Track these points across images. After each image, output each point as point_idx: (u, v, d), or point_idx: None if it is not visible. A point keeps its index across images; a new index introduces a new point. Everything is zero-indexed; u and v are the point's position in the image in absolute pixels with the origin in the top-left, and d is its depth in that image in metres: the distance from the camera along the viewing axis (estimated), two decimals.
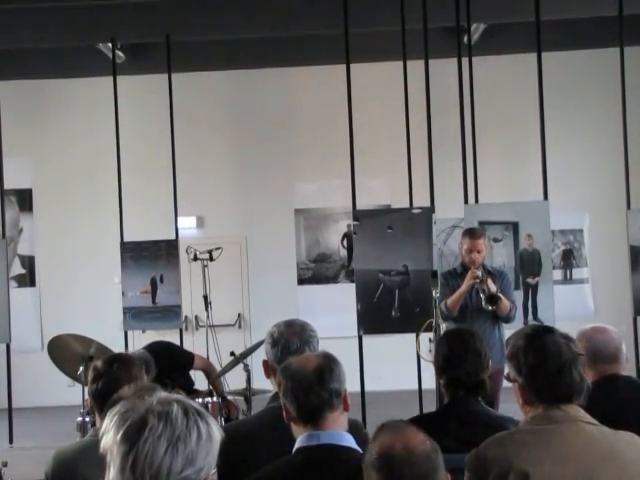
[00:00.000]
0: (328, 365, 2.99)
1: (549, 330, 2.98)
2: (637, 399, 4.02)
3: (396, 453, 2.35)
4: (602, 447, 2.77)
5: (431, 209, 9.74)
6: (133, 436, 1.98)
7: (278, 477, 2.91)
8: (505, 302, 7.16)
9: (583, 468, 2.72)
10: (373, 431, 3.68)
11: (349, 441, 2.95)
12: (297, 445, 2.95)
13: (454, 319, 7.26)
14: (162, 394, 2.10)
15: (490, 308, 7.11)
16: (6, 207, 10.67)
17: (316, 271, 13.08)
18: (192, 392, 7.20)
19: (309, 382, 2.94)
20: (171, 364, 6.94)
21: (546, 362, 2.86)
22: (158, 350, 6.89)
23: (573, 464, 2.72)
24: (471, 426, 3.60)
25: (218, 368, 7.55)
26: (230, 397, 7.36)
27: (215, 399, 6.65)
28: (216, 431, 2.08)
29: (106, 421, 2.05)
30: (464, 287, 7.19)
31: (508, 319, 7.30)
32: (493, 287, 7.14)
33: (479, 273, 7.14)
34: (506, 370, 3.05)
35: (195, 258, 9.12)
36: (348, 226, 12.35)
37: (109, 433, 2.02)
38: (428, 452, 2.36)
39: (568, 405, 2.85)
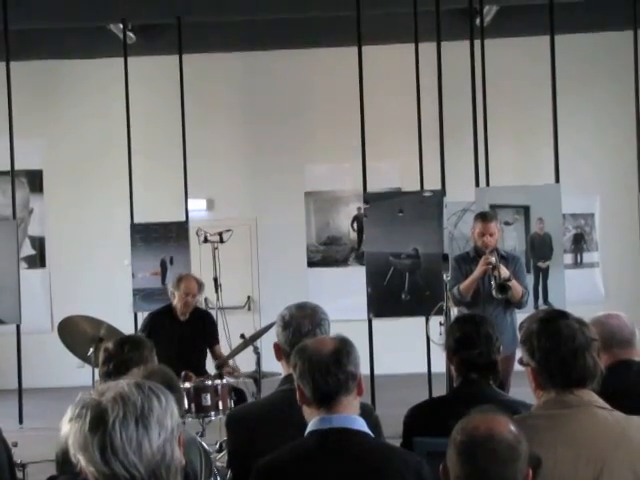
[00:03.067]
0: (345, 348, 2.99)
1: (563, 314, 2.95)
2: None
3: (478, 437, 2.35)
4: (615, 432, 2.75)
5: (442, 192, 9.72)
6: (100, 426, 1.99)
7: (290, 460, 2.91)
8: (517, 289, 7.12)
9: (596, 453, 2.70)
10: (383, 414, 3.71)
11: (361, 425, 2.95)
12: (309, 428, 2.95)
13: (466, 304, 7.23)
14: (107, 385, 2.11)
15: (500, 296, 7.07)
16: (17, 188, 10.67)
17: (326, 254, 13.07)
18: (202, 374, 7.24)
19: (326, 364, 2.93)
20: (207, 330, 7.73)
21: (559, 346, 2.84)
22: None
23: (586, 449, 2.71)
24: None
25: (228, 350, 7.57)
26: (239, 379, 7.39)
27: (225, 381, 6.65)
28: (168, 392, 2.12)
29: (64, 428, 2.05)
30: (477, 273, 7.14)
31: (520, 305, 7.26)
32: (506, 273, 7.08)
33: (492, 259, 7.08)
34: (519, 354, 3.03)
35: (205, 240, 9.10)
36: (358, 209, 12.33)
37: (75, 436, 2.02)
38: (511, 441, 2.35)
39: (581, 390, 2.83)
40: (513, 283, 7.08)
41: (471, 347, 3.80)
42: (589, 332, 2.89)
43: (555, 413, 2.81)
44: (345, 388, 2.93)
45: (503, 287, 7.04)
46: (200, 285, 7.72)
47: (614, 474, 2.69)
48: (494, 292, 7.06)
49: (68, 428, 2.04)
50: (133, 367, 3.64)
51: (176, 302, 7.62)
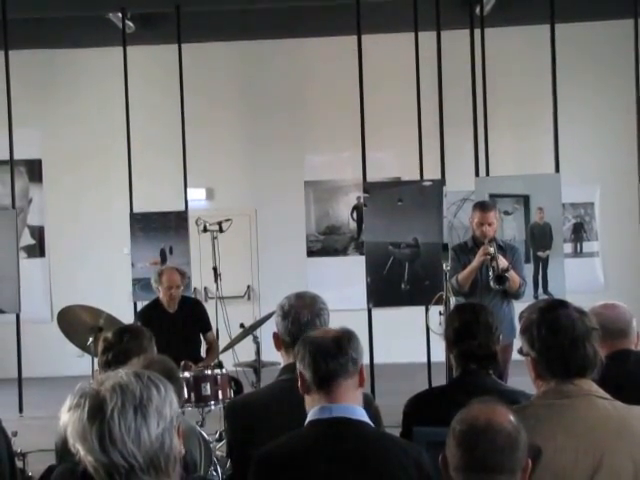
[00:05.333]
0: (347, 335, 3.02)
1: (563, 304, 2.95)
2: None
3: (477, 426, 2.38)
4: (615, 422, 2.75)
5: (442, 181, 9.72)
6: (98, 415, 2.00)
7: (289, 450, 2.91)
8: (514, 279, 7.08)
9: (596, 443, 2.70)
10: (382, 404, 3.71)
11: (361, 414, 2.95)
12: (309, 418, 2.95)
13: (464, 294, 7.21)
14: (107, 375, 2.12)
15: (497, 287, 7.04)
16: (16, 177, 10.65)
17: (326, 243, 13.06)
18: (198, 362, 7.25)
19: (327, 348, 2.96)
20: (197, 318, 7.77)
21: (559, 336, 2.84)
22: None
23: (586, 439, 2.71)
24: None
25: (227, 339, 7.58)
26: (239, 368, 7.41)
27: (225, 371, 6.65)
28: (168, 382, 2.13)
29: (63, 417, 2.06)
30: (475, 263, 7.11)
31: (517, 295, 7.22)
32: (504, 263, 7.05)
33: (491, 250, 7.04)
34: (517, 344, 3.03)
35: (205, 230, 9.10)
36: (358, 198, 12.32)
37: (74, 425, 2.03)
38: (510, 431, 2.38)
39: (581, 379, 2.83)
40: (511, 274, 7.04)
41: (470, 337, 3.79)
42: (589, 321, 2.88)
43: (555, 403, 2.80)
44: (345, 371, 2.94)
45: (501, 278, 7.00)
46: (183, 275, 7.74)
47: (614, 464, 2.69)
48: (491, 282, 7.03)
49: (67, 417, 2.04)
50: (132, 357, 3.64)
51: (162, 296, 7.63)
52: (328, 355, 2.94)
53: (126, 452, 1.99)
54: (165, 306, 7.63)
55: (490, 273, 7.05)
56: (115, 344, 3.90)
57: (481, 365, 3.79)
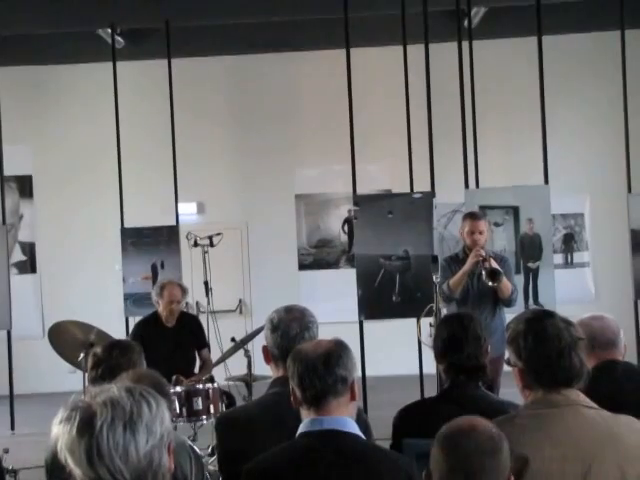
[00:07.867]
0: (336, 351, 2.98)
1: (549, 314, 2.97)
2: (635, 385, 4.03)
3: (461, 429, 2.43)
4: (602, 431, 2.76)
5: (432, 194, 9.74)
6: (87, 429, 1.99)
7: (280, 462, 2.91)
8: (506, 284, 7.10)
9: (583, 452, 2.71)
10: (374, 416, 3.71)
11: (352, 427, 2.95)
12: (300, 430, 2.95)
13: (456, 304, 7.22)
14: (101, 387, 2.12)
15: (491, 284, 7.03)
16: (6, 193, 10.65)
17: (317, 256, 13.07)
18: (191, 375, 7.25)
19: (314, 366, 2.93)
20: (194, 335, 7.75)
21: (546, 346, 2.86)
22: None
23: (573, 448, 2.72)
24: (471, 411, 3.58)
25: (219, 353, 7.58)
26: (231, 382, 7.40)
27: (216, 385, 6.65)
28: (160, 398, 2.12)
29: (54, 430, 2.06)
30: (467, 266, 7.12)
31: (509, 302, 7.24)
32: (496, 265, 7.09)
33: (483, 252, 7.08)
34: (506, 354, 3.04)
35: (195, 244, 9.11)
36: (349, 211, 12.34)
37: (64, 438, 2.03)
38: (493, 434, 2.42)
39: (568, 389, 2.84)
40: (503, 279, 7.08)
41: (458, 349, 3.80)
42: (575, 331, 2.90)
43: (542, 413, 2.82)
44: (333, 391, 2.92)
45: (494, 273, 7.02)
46: (184, 290, 7.69)
47: (602, 473, 2.70)
48: (484, 277, 7.01)
49: (58, 430, 2.04)
50: (122, 372, 3.64)
51: (161, 310, 7.61)
52: (315, 375, 2.92)
53: (113, 468, 1.98)
54: (163, 320, 7.62)
55: (483, 272, 7.05)
56: (104, 359, 3.90)
57: (470, 377, 3.80)
